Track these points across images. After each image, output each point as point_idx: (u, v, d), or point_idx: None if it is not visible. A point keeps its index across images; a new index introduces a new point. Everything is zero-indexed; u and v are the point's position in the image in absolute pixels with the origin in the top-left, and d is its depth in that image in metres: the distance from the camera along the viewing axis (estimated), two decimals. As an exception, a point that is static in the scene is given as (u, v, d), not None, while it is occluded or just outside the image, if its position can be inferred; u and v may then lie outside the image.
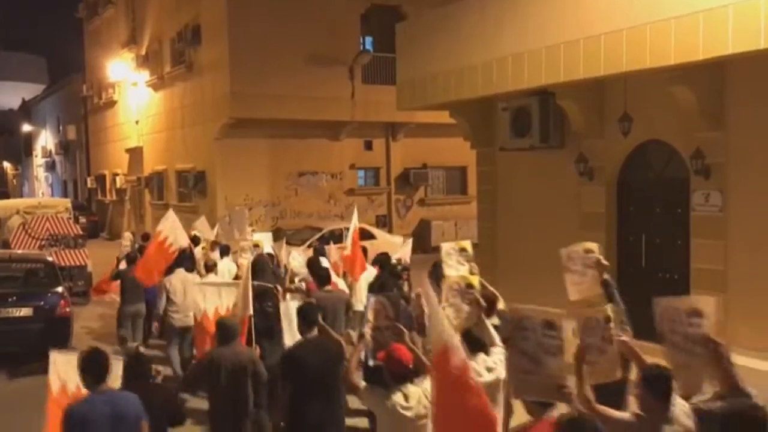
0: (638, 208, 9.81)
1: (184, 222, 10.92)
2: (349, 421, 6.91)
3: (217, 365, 5.75)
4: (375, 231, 17.85)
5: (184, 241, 10.08)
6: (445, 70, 10.85)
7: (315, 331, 5.63)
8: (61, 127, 37.13)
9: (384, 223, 21.39)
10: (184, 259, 9.61)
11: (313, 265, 8.35)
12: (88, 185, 31.85)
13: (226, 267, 10.15)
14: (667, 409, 3.82)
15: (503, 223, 11.94)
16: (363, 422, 6.96)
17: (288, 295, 8.19)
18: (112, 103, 28.41)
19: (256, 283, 7.38)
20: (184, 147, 21.39)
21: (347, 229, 11.21)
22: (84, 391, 4.55)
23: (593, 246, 5.89)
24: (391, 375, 4.41)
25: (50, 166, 40.15)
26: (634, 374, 4.43)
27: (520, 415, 4.45)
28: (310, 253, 10.26)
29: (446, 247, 6.75)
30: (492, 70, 9.88)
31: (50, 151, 39.48)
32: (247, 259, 9.49)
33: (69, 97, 34.85)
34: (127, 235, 13.89)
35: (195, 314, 7.59)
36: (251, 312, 6.69)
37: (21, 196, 42.93)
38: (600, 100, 9.87)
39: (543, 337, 3.94)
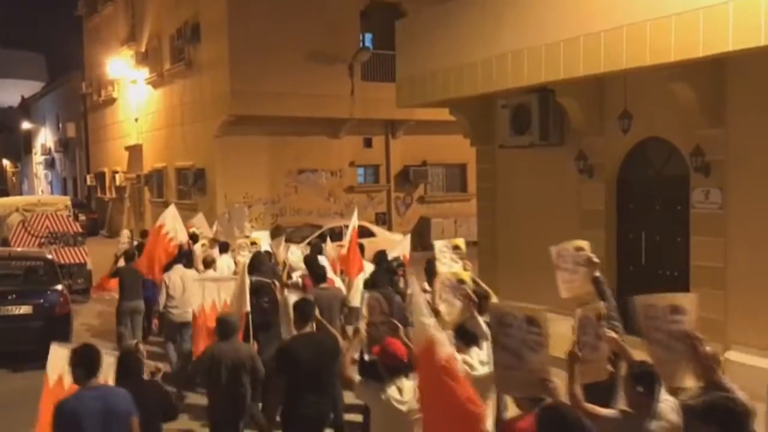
0: (638, 206, 9.80)
1: (183, 219, 10.97)
2: (344, 417, 6.97)
3: (217, 361, 5.79)
4: (374, 228, 17.86)
5: (183, 237, 10.13)
6: (444, 67, 10.83)
7: (310, 327, 5.66)
8: (60, 125, 37.11)
9: (383, 220, 21.39)
10: (183, 256, 9.67)
11: (310, 262, 8.39)
12: (88, 183, 31.85)
13: (225, 264, 10.17)
14: (654, 405, 3.90)
15: (503, 221, 11.93)
16: (357, 418, 6.98)
17: (285, 290, 8.25)
18: (111, 101, 28.40)
19: (254, 278, 7.42)
20: (183, 144, 21.38)
21: (347, 226, 11.25)
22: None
23: (584, 244, 5.92)
24: (385, 369, 4.48)
25: (50, 164, 40.14)
26: (623, 371, 4.48)
27: (514, 411, 4.48)
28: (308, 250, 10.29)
29: (439, 244, 6.80)
30: (492, 67, 9.86)
31: (50, 149, 39.47)
32: (244, 257, 9.53)
33: (68, 95, 34.85)
34: (126, 233, 13.90)
35: (194, 309, 7.63)
36: (248, 308, 6.73)
37: (20, 193, 43.02)
38: (600, 98, 9.86)
39: (526, 333, 3.98)
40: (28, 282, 10.59)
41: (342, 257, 10.13)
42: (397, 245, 10.65)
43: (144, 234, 13.20)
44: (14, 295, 9.95)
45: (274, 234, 12.51)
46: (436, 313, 5.95)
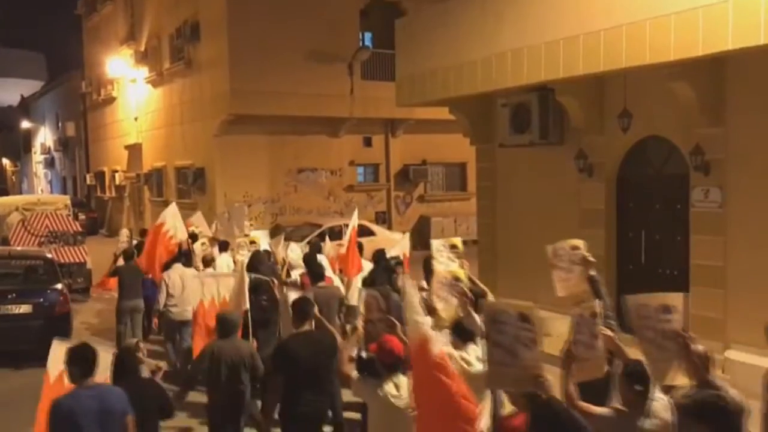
0: (638, 205, 9.81)
1: (182, 218, 10.99)
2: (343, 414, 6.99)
3: (217, 359, 5.80)
4: (374, 228, 17.87)
5: (183, 235, 10.15)
6: (444, 66, 10.83)
7: (308, 325, 5.68)
8: (60, 124, 37.10)
9: (383, 219, 21.40)
10: (182, 255, 9.69)
11: (308, 260, 8.42)
12: (88, 182, 31.83)
13: (224, 262, 10.19)
14: (647, 404, 3.94)
15: (503, 220, 11.93)
16: (356, 416, 7.00)
17: (285, 288, 8.29)
18: (111, 100, 28.39)
19: (252, 275, 7.44)
20: (183, 144, 21.37)
21: (347, 225, 11.25)
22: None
23: (579, 243, 5.98)
24: (382, 365, 4.53)
25: (49, 163, 40.13)
26: (619, 369, 4.50)
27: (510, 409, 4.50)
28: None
29: (436, 243, 6.83)
30: (491, 65, 9.86)
31: (49, 148, 39.44)
32: (243, 256, 9.55)
33: (68, 94, 34.83)
34: (124, 232, 13.92)
35: (194, 306, 7.67)
36: (248, 305, 6.76)
37: (20, 192, 42.99)
38: (599, 96, 9.86)
39: (520, 330, 4.02)
40: (28, 281, 10.59)
41: (341, 257, 10.14)
42: (397, 244, 10.66)
43: (143, 233, 13.22)
44: (14, 294, 9.96)
45: (274, 233, 12.53)
46: (433, 310, 6.02)
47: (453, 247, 6.68)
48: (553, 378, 4.05)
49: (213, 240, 11.67)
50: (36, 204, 16.49)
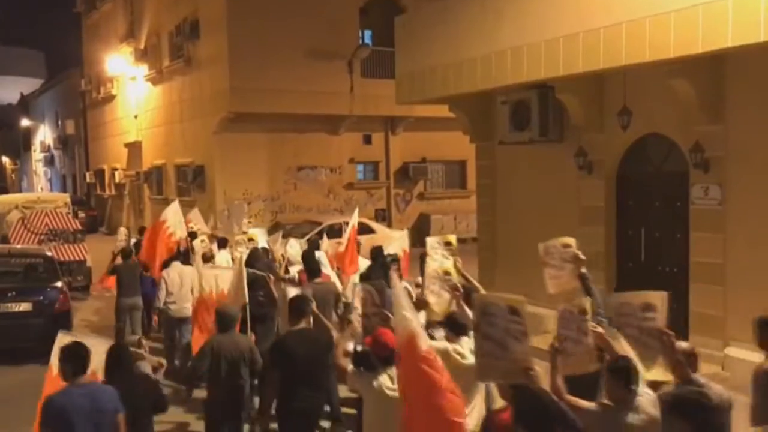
0: (637, 202, 9.80)
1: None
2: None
3: (217, 354, 5.82)
4: (374, 225, 17.88)
5: (183, 233, 10.17)
6: (444, 64, 10.82)
7: (305, 322, 5.72)
8: (59, 122, 37.08)
9: (383, 217, 21.40)
10: (181, 253, 9.73)
11: (306, 257, 8.45)
12: (87, 180, 31.83)
13: (223, 259, 10.22)
14: (633, 399, 3.97)
15: (503, 217, 11.93)
16: (351, 412, 7.01)
17: (283, 284, 8.36)
18: (110, 98, 28.38)
19: (249, 270, 7.50)
20: (182, 141, 21.37)
21: (346, 223, 11.26)
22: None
23: (571, 241, 6.04)
24: (377, 358, 4.61)
25: (49, 161, 40.12)
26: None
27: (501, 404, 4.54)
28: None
29: (431, 241, 6.87)
30: (491, 63, 9.85)
31: (49, 146, 39.44)
32: (242, 253, 9.58)
33: (67, 92, 34.81)
34: (123, 230, 13.95)
35: (193, 302, 7.71)
36: (246, 299, 6.81)
37: (20, 190, 42.98)
38: (599, 94, 9.85)
39: (509, 323, 4.06)
40: (27, 279, 10.60)
41: (339, 255, 10.16)
42: (395, 241, 10.68)
43: (142, 231, 13.24)
44: (14, 293, 9.96)
45: (273, 231, 12.55)
46: (425, 304, 6.17)
47: (448, 244, 6.71)
48: (541, 371, 4.10)
49: (212, 237, 11.70)
50: (36, 202, 16.49)
